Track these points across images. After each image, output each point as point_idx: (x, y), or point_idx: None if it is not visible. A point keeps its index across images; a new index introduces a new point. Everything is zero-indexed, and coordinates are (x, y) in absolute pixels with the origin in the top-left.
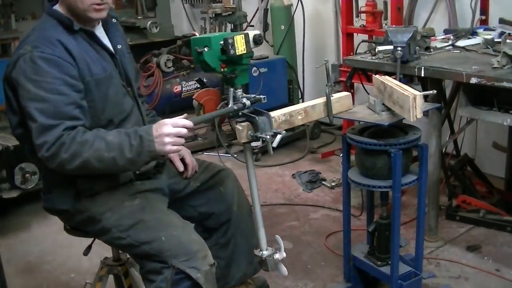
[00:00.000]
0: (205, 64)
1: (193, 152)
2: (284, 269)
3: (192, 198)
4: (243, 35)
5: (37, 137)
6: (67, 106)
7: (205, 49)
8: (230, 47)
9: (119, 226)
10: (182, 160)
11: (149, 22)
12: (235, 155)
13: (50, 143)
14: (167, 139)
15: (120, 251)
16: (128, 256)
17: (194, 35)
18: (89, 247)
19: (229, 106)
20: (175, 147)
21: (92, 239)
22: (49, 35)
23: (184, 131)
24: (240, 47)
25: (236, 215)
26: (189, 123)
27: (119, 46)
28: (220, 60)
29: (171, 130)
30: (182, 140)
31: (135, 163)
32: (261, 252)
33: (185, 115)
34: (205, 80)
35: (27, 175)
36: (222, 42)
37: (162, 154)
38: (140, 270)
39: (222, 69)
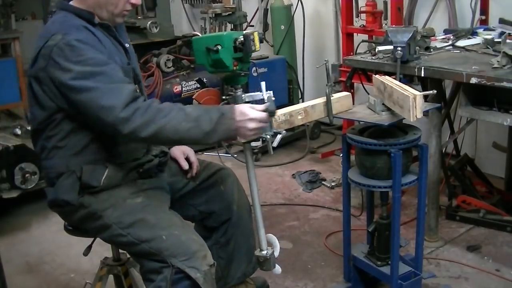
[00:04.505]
0: (219, 62)
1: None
2: (278, 267)
3: (192, 196)
4: (257, 32)
5: (104, 100)
6: (119, 72)
7: (219, 47)
8: (251, 44)
9: (119, 223)
10: (187, 159)
11: (149, 22)
12: (235, 155)
13: (122, 103)
14: (248, 132)
15: (120, 251)
16: (128, 256)
17: (196, 35)
18: (89, 247)
19: (266, 99)
20: (254, 137)
21: (92, 239)
22: (74, 23)
23: (265, 126)
24: (256, 43)
25: (236, 214)
26: (266, 118)
27: (126, 45)
28: (233, 58)
29: (253, 126)
30: (260, 133)
31: (209, 137)
32: (262, 252)
33: (265, 106)
34: (205, 80)
35: (27, 175)
36: (242, 39)
37: (234, 138)
38: (140, 269)
39: (234, 67)
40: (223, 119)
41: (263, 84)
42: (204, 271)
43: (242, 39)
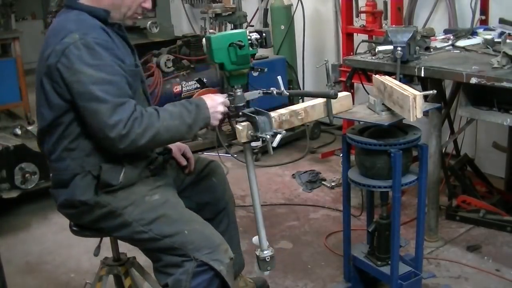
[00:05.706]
0: (245, 58)
1: (193, 152)
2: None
3: (189, 190)
4: (269, 29)
5: (110, 116)
6: (126, 85)
7: (242, 43)
8: (271, 39)
9: (141, 220)
10: (183, 155)
11: (149, 22)
12: (235, 155)
13: (125, 119)
14: (219, 116)
15: (119, 251)
16: (128, 256)
17: (213, 33)
18: (98, 247)
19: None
20: (221, 121)
21: (99, 239)
22: (92, 23)
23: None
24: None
25: (229, 206)
26: (227, 104)
27: None
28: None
29: (223, 109)
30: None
31: (192, 129)
32: (265, 252)
33: (225, 95)
34: (205, 80)
35: (27, 175)
36: (263, 35)
37: (209, 125)
38: (155, 264)
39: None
40: (199, 109)
41: (279, 78)
42: (227, 263)
43: (258, 35)
